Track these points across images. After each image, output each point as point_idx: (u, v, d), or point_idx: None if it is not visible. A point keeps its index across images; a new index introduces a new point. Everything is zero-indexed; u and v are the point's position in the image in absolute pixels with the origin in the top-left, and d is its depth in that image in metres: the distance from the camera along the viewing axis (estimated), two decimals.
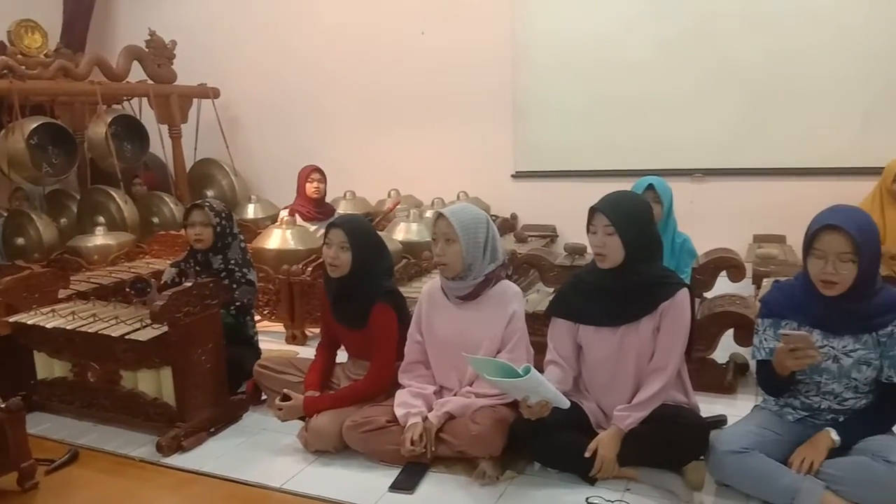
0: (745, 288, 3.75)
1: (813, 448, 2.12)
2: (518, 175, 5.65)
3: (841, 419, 2.18)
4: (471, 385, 2.53)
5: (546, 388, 2.14)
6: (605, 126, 5.32)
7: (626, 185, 3.37)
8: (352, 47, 6.05)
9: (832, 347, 2.13)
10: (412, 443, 2.36)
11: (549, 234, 5.31)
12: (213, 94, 6.19)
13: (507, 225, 5.39)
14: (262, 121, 6.57)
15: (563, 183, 5.45)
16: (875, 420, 2.16)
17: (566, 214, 5.06)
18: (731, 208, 4.99)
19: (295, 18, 6.25)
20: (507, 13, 5.46)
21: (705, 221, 4.69)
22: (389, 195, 5.58)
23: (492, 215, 5.32)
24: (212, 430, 2.84)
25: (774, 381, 2.20)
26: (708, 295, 3.62)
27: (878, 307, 2.08)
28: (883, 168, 4.07)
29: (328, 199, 5.09)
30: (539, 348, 2.57)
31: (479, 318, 2.50)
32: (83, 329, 2.82)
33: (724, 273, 3.74)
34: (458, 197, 5.31)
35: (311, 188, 4.85)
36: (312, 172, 4.90)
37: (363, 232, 2.70)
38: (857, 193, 4.24)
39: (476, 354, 2.38)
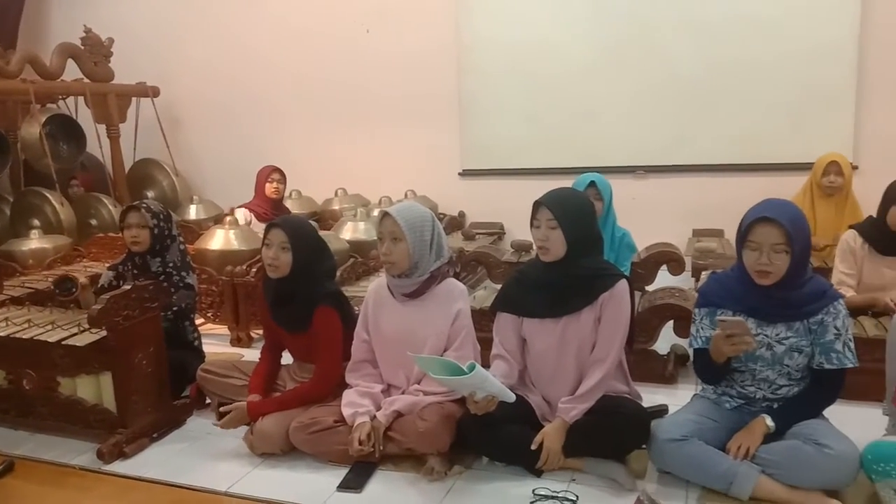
0: (685, 281, 3.87)
1: (749, 434, 2.20)
2: (465, 173, 5.68)
3: (775, 406, 2.27)
4: (419, 383, 2.53)
5: (491, 384, 2.17)
6: (549, 125, 5.40)
7: (570, 183, 3.45)
8: (296, 45, 5.99)
9: (766, 335, 2.21)
10: (360, 442, 2.36)
11: (497, 232, 5.36)
12: (153, 92, 6.04)
13: (455, 223, 5.42)
14: (204, 120, 6.44)
15: (509, 181, 5.50)
16: (807, 405, 2.24)
17: (513, 212, 5.08)
18: (671, 204, 5.12)
19: (238, 15, 6.15)
20: (452, 15, 5.49)
21: (647, 217, 4.80)
22: (336, 194, 5.55)
23: (439, 213, 5.37)
24: (155, 435, 2.78)
25: (711, 368, 2.27)
26: (649, 288, 3.71)
27: (809, 296, 2.17)
28: (813, 164, 4.23)
29: None
30: (487, 344, 2.60)
31: (425, 316, 2.51)
32: (18, 335, 2.73)
33: (664, 267, 3.85)
34: (406, 195, 5.31)
35: (270, 188, 4.83)
36: (273, 173, 4.86)
37: (304, 232, 2.68)
38: (789, 188, 4.39)
39: (422, 352, 2.39)
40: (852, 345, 2.18)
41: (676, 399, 2.78)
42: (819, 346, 2.17)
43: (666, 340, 3.28)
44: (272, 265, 2.62)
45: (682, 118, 5.11)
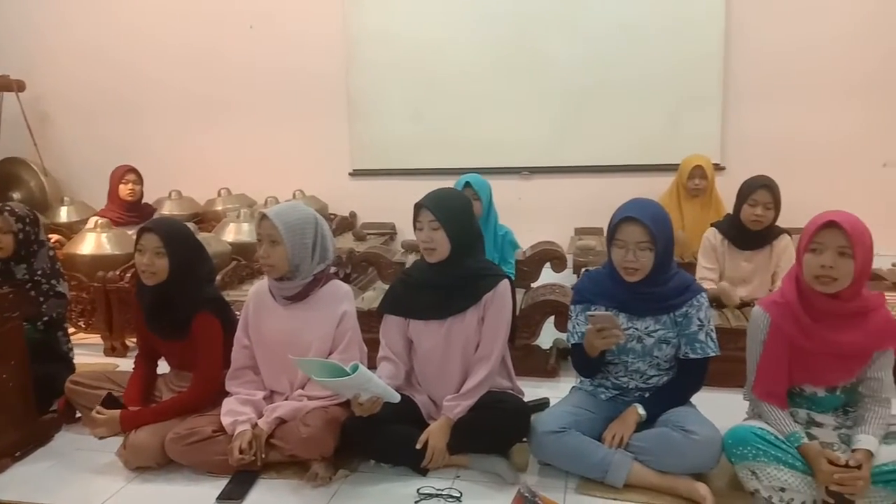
0: (567, 278, 3.99)
1: (622, 423, 2.30)
2: (355, 173, 5.63)
3: (647, 395, 2.39)
4: (303, 388, 2.49)
5: (375, 384, 2.17)
6: (439, 125, 5.44)
7: None
8: (176, 37, 5.72)
9: (636, 329, 2.32)
10: (241, 451, 2.29)
11: (388, 232, 5.35)
12: (18, 86, 5.63)
13: (346, 223, 5.37)
14: (75, 115, 6.04)
15: (400, 181, 5.49)
16: (675, 393, 2.38)
17: (404, 212, 5.01)
18: (554, 203, 5.27)
19: (112, 5, 5.82)
20: (339, 10, 5.42)
21: (532, 216, 4.95)
22: (220, 194, 5.36)
23: (330, 214, 5.31)
24: (18, 454, 2.60)
25: (587, 362, 2.36)
26: (534, 285, 3.82)
27: (674, 290, 2.29)
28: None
29: (151, 200, 4.80)
30: (375, 345, 2.58)
31: (309, 319, 2.47)
32: None
33: (548, 264, 3.97)
34: (294, 195, 5.21)
35: (125, 190, 4.57)
36: (127, 173, 4.61)
37: (180, 235, 2.56)
38: (662, 188, 4.64)
39: (307, 356, 2.36)
40: (714, 335, 2.33)
41: (559, 391, 2.85)
42: (684, 336, 2.31)
43: (549, 335, 3.38)
44: (147, 272, 2.50)
45: (565, 119, 5.28)
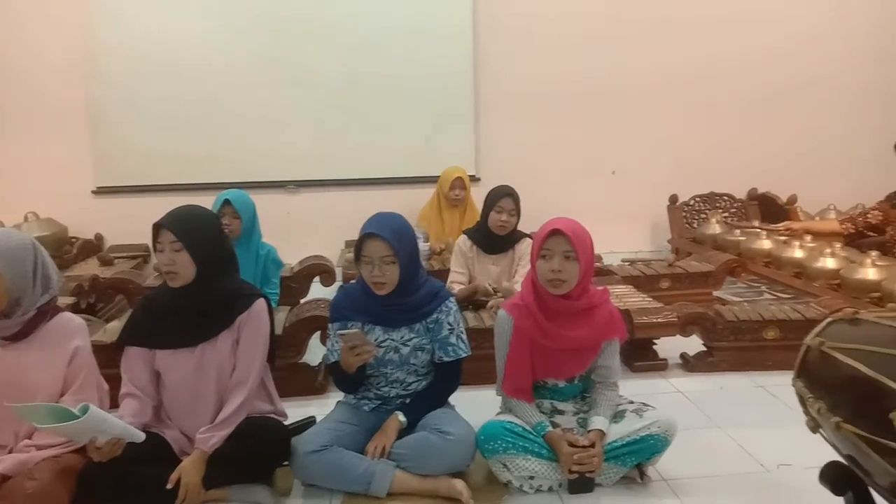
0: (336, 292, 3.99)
1: (383, 433, 2.33)
2: (100, 191, 5.16)
3: (408, 401, 2.44)
4: (30, 437, 2.20)
5: (112, 425, 1.98)
6: (197, 138, 5.19)
7: None
8: None
9: (392, 340, 2.37)
10: None
11: (141, 255, 4.95)
12: None
13: (91, 247, 4.90)
14: None
15: (153, 198, 5.14)
16: (433, 396, 2.46)
17: None
18: (323, 217, 5.27)
19: None
20: (76, 14, 4.95)
21: (301, 230, 4.91)
22: None
23: (72, 237, 4.83)
24: None
25: (347, 379, 2.38)
26: (303, 301, 3.76)
27: (424, 298, 2.38)
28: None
29: None
30: (119, 382, 2.36)
31: (34, 360, 2.18)
32: None
33: (317, 278, 3.93)
34: (27, 218, 4.67)
35: None
36: None
37: None
38: (425, 199, 4.82)
39: (34, 401, 2.08)
40: (465, 336, 2.45)
41: (328, 408, 2.78)
42: (437, 342, 2.40)
43: (318, 351, 3.33)
44: None
45: (331, 134, 5.30)
